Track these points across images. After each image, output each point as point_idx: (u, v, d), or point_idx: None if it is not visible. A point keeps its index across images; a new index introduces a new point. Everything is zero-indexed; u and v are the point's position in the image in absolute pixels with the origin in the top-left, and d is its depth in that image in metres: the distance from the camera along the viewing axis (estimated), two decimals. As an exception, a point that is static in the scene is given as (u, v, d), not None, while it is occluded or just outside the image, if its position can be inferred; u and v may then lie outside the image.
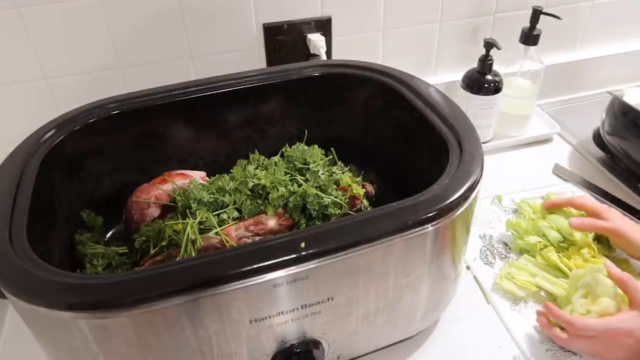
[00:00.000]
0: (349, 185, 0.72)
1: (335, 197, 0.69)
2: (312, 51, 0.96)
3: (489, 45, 0.94)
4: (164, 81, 0.76)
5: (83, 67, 0.88)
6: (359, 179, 0.77)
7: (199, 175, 0.75)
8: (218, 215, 0.68)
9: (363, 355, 0.66)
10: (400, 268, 0.55)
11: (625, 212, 0.87)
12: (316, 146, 0.78)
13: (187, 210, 0.68)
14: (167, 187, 0.73)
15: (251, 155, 0.80)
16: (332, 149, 0.80)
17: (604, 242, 0.78)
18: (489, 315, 0.72)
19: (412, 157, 0.75)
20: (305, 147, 0.78)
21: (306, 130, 0.83)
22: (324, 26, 0.96)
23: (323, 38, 0.95)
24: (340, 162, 0.80)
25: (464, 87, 0.99)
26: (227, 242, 0.64)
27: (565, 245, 0.77)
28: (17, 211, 0.54)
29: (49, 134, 0.66)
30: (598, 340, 0.62)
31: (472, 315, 0.72)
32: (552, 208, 0.82)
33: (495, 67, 0.98)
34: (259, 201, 0.71)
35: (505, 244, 0.82)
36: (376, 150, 0.82)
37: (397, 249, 0.53)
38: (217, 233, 0.65)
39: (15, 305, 0.47)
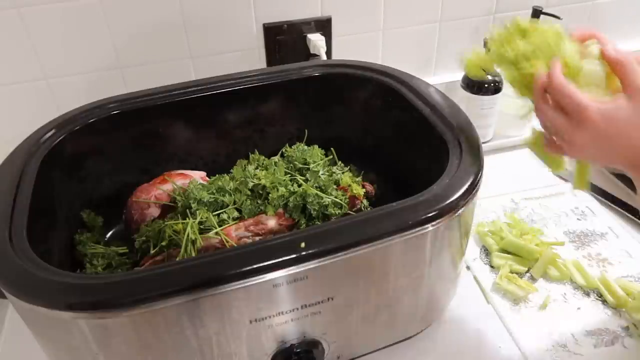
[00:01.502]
0: (349, 185, 0.72)
1: (335, 197, 0.69)
2: (312, 51, 0.96)
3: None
4: (164, 81, 0.76)
5: (83, 67, 0.88)
6: (359, 179, 0.77)
7: (199, 175, 0.75)
8: (218, 215, 0.68)
9: (363, 355, 0.66)
10: (400, 268, 0.55)
11: (625, 212, 0.87)
12: (316, 146, 0.78)
13: (187, 210, 0.68)
14: (167, 187, 0.73)
15: (251, 155, 0.80)
16: (332, 149, 0.80)
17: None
18: (489, 315, 0.72)
19: (412, 157, 0.75)
20: (305, 147, 0.78)
21: (306, 130, 0.83)
22: (324, 26, 0.96)
23: (323, 38, 0.95)
24: (340, 162, 0.80)
25: (464, 87, 0.99)
26: (227, 242, 0.64)
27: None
28: (17, 211, 0.54)
29: (49, 134, 0.66)
30: (567, 118, 0.52)
31: (472, 315, 0.72)
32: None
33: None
34: (259, 201, 0.71)
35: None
36: (376, 150, 0.82)
37: (397, 249, 0.53)
38: (217, 233, 0.65)
39: (15, 305, 0.47)
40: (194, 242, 0.63)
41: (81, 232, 0.69)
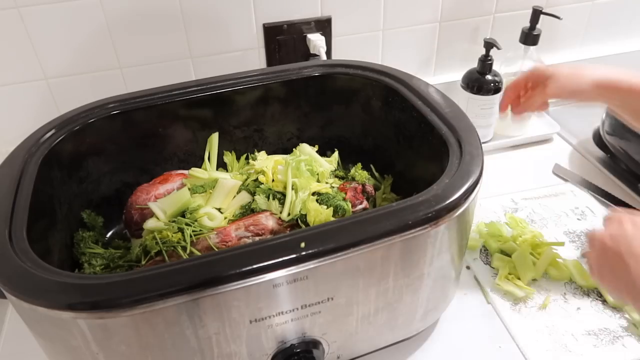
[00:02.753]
0: (363, 184, 0.72)
1: (335, 196, 0.69)
2: (312, 51, 0.96)
3: (489, 45, 0.94)
4: (164, 81, 0.76)
5: (83, 67, 0.88)
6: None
7: (199, 175, 0.75)
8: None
9: (363, 355, 0.66)
10: (400, 268, 0.55)
11: (625, 212, 0.87)
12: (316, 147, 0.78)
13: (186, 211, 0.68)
14: (167, 187, 0.73)
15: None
16: (336, 150, 0.80)
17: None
18: (489, 315, 0.72)
19: (412, 157, 0.75)
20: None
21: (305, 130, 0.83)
22: (324, 26, 0.96)
23: (323, 38, 0.95)
24: (340, 163, 0.80)
25: (464, 87, 0.99)
26: (226, 243, 0.64)
27: None
28: (17, 211, 0.54)
29: (49, 134, 0.66)
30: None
31: (472, 315, 0.72)
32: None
33: (495, 67, 0.98)
34: (259, 201, 0.71)
35: (505, 244, 0.82)
36: (376, 150, 0.82)
37: (397, 249, 0.53)
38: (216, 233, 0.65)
39: (15, 305, 0.47)
40: (192, 243, 0.63)
41: (81, 232, 0.69)
